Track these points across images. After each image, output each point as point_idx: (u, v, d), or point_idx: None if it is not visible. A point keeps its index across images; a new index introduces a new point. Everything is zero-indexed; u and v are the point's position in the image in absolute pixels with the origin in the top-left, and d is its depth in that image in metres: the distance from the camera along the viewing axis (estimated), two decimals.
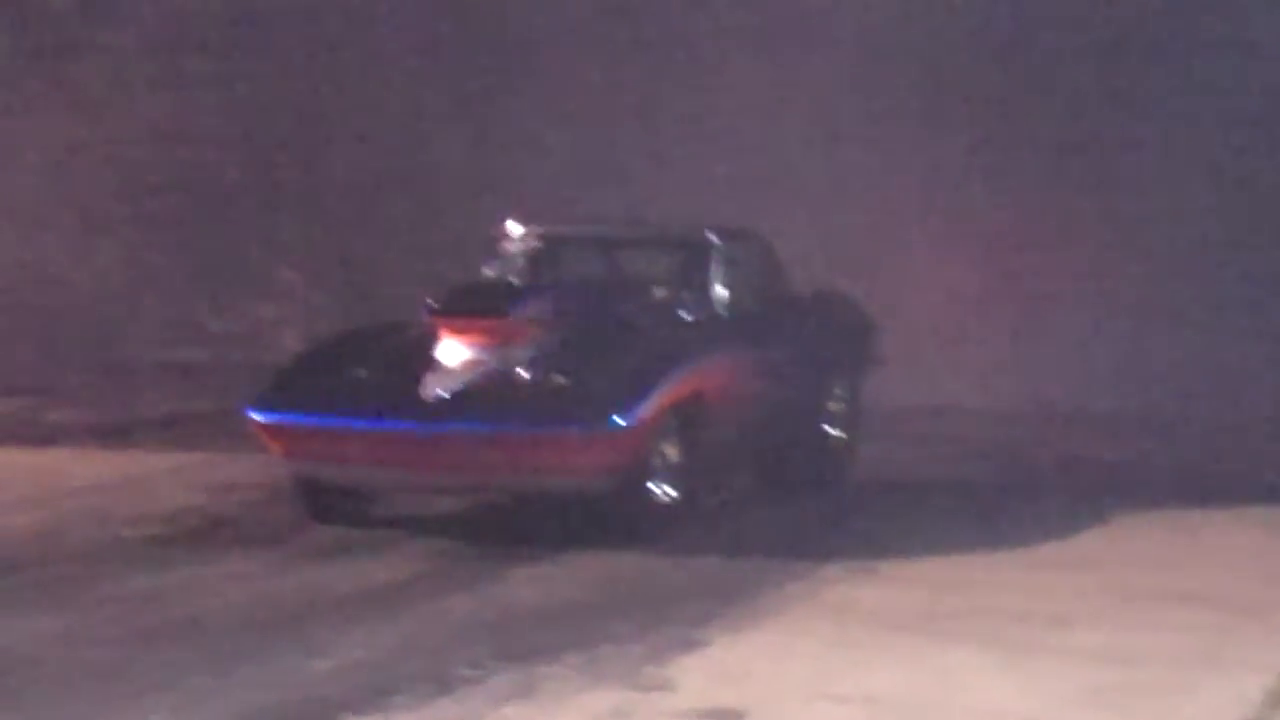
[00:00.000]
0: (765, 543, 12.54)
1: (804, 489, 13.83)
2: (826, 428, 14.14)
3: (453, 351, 12.03)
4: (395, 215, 19.05)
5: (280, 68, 19.57)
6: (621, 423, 11.41)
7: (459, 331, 12.19)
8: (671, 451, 11.95)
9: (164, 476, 14.63)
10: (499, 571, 11.36)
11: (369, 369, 12.13)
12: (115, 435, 16.68)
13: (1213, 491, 14.14)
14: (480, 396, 11.71)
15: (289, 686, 9.06)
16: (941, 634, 10.07)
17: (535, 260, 13.82)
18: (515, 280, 13.44)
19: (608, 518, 11.72)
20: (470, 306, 12.52)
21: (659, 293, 13.55)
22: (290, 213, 19.64)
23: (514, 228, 13.97)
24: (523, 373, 11.88)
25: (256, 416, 12.04)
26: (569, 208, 17.15)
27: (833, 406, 14.19)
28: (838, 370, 14.32)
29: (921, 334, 17.24)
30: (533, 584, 11.09)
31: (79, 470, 14.95)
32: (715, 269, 13.44)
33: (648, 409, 11.56)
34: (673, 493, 11.98)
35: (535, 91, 18.92)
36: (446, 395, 11.73)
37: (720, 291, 13.39)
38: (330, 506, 12.26)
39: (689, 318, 13.13)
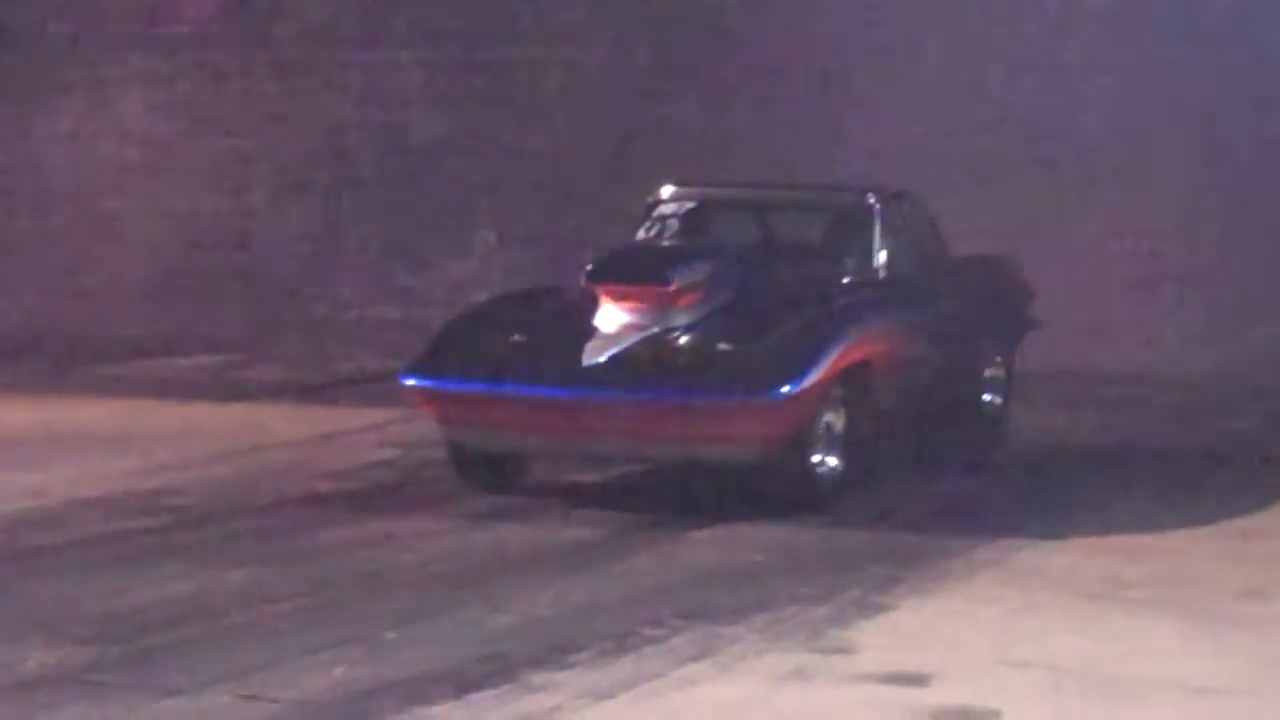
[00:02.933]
0: (943, 510, 12.37)
1: (961, 456, 13.58)
2: (985, 395, 13.95)
3: (612, 318, 11.81)
4: (595, 177, 19.02)
5: (482, 26, 19.58)
6: (787, 391, 11.17)
7: (619, 298, 11.92)
8: (836, 420, 11.71)
9: (358, 433, 14.76)
10: (680, 535, 11.36)
11: (525, 335, 11.96)
12: (311, 392, 16.84)
13: None
14: (640, 364, 11.50)
15: (471, 642, 9.10)
16: (1130, 602, 9.99)
17: (692, 223, 13.62)
18: (674, 245, 13.22)
19: (769, 488, 11.51)
20: (630, 273, 12.28)
21: (821, 257, 13.27)
22: (490, 173, 19.67)
23: (670, 190, 13.76)
24: (684, 340, 11.68)
25: (411, 382, 11.95)
26: (777, 169, 17.06)
27: (990, 371, 13.99)
28: (995, 334, 14.10)
29: (1099, 299, 17.07)
30: (714, 547, 11.07)
31: (275, 425, 15.11)
32: (877, 232, 13.15)
33: (814, 377, 11.30)
34: (837, 463, 11.73)
35: (744, 52, 18.77)
36: (605, 362, 11.51)
37: (882, 255, 13.09)
38: (481, 472, 12.18)
39: (852, 282, 12.92)
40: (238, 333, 19.32)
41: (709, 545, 11.08)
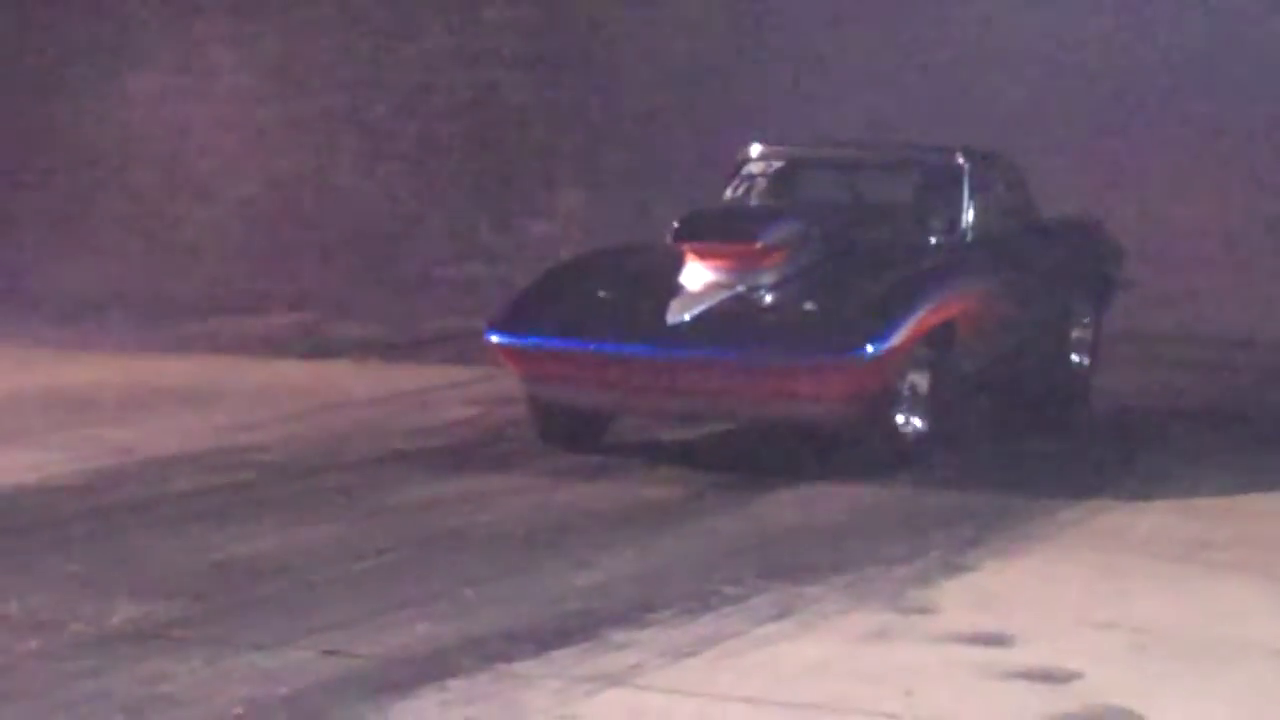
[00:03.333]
0: (1027, 471, 12.35)
1: (1046, 416, 13.61)
2: (1072, 355, 13.97)
3: (697, 276, 11.77)
4: (678, 134, 19.01)
5: None
6: (872, 351, 11.13)
7: (705, 256, 11.86)
8: (921, 381, 11.66)
9: (441, 390, 14.84)
10: (761, 495, 11.37)
11: (610, 292, 11.96)
12: (396, 350, 16.92)
13: None
14: (726, 322, 11.48)
15: (554, 599, 9.15)
16: (1215, 565, 9.96)
17: (779, 182, 13.63)
18: (761, 204, 13.21)
19: (853, 447, 11.50)
20: (718, 231, 12.20)
21: (908, 216, 13.21)
22: (573, 133, 19.70)
23: (757, 149, 13.74)
24: (770, 299, 11.67)
25: (496, 339, 11.90)
26: (853, 126, 17.02)
27: (1077, 333, 13.98)
28: (1083, 296, 14.09)
29: (1187, 262, 17.02)
30: (796, 507, 11.08)
31: (359, 384, 15.22)
32: (965, 192, 13.06)
33: (899, 337, 11.24)
34: (920, 424, 11.74)
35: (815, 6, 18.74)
36: (691, 320, 11.46)
37: (970, 215, 13.02)
38: (563, 429, 12.17)
39: (938, 242, 12.86)
40: (323, 290, 19.38)
41: (791, 505, 11.09)
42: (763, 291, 11.64)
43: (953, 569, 9.73)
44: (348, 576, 9.53)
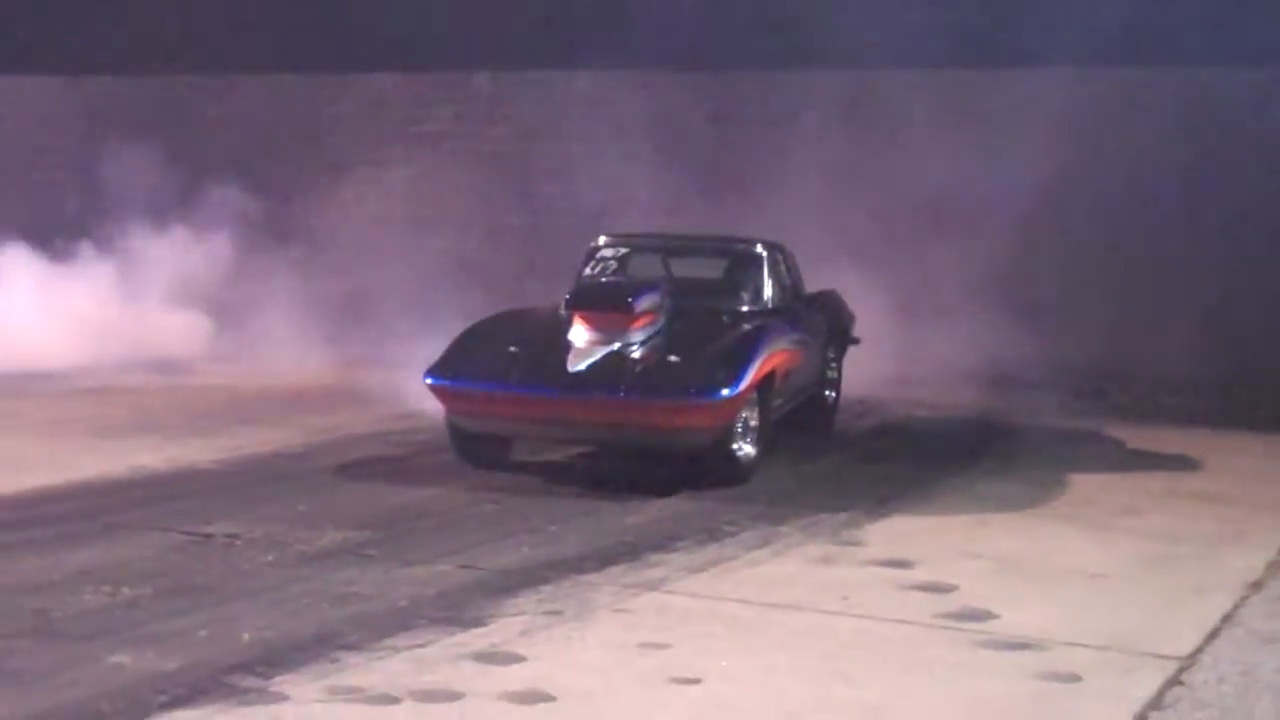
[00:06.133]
0: (906, 461, 12.11)
1: (810, 435, 12.78)
2: (825, 391, 13.28)
3: (582, 335, 10.76)
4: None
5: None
6: (727, 393, 10.23)
7: (589, 321, 10.81)
8: (753, 416, 10.74)
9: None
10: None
11: (517, 347, 10.80)
12: None
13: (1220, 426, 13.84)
14: (613, 371, 10.42)
15: (610, 534, 9.21)
16: (1049, 516, 10.03)
17: (623, 264, 12.55)
18: (631, 281, 12.05)
19: (705, 468, 10.58)
20: (600, 302, 11.07)
21: (725, 290, 12.19)
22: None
23: (604, 239, 12.82)
24: (641, 353, 10.63)
25: (430, 382, 10.76)
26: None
27: (829, 374, 13.33)
28: (833, 348, 13.42)
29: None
30: (764, 477, 10.93)
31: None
32: (765, 271, 12.28)
33: (745, 383, 10.36)
34: (752, 450, 10.75)
35: None
36: (585, 369, 10.48)
37: (769, 289, 12.21)
38: (475, 451, 11.03)
39: (749, 310, 11.89)
40: None
41: (760, 476, 10.93)
42: (635, 347, 10.66)
43: (875, 516, 9.80)
44: (474, 516, 9.58)
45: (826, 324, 13.19)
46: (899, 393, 15.10)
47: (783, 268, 12.63)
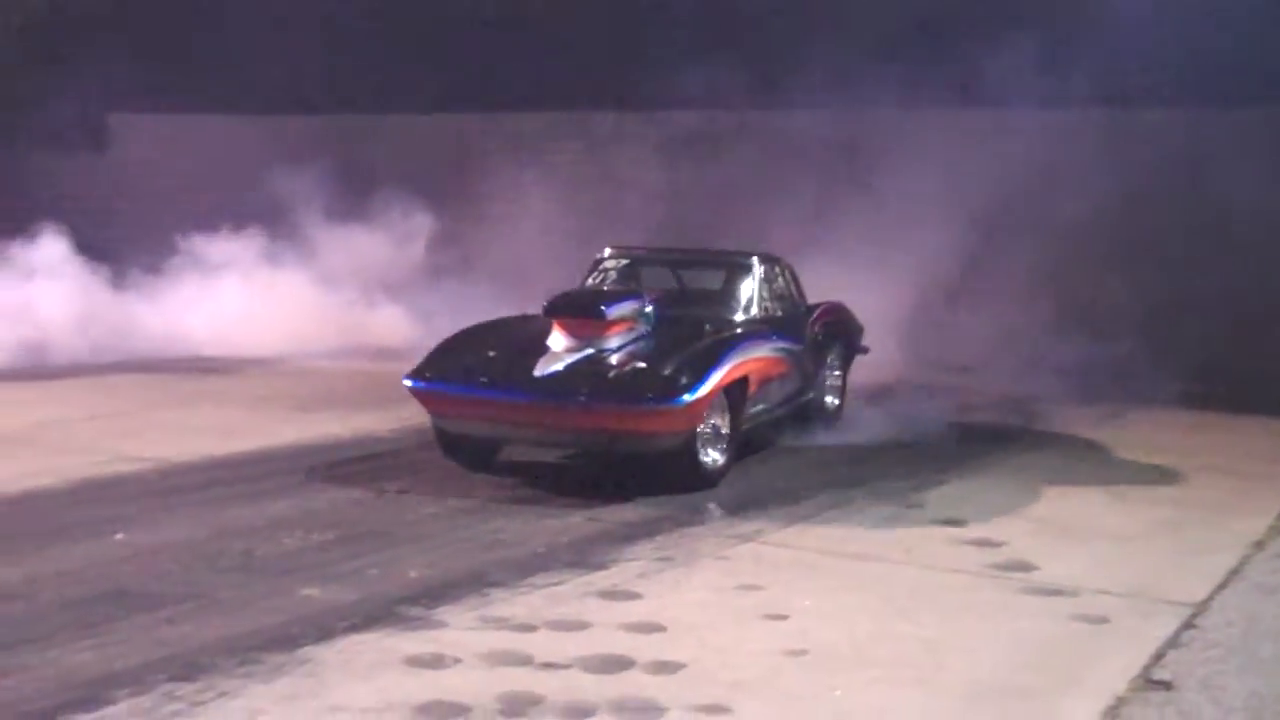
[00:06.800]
0: (962, 439, 11.64)
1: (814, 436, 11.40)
2: (827, 398, 11.87)
3: (560, 341, 9.61)
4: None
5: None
6: (687, 399, 8.94)
7: (566, 327, 9.66)
8: (722, 422, 9.51)
9: None
10: (796, 452, 10.80)
11: (497, 351, 9.64)
12: None
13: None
14: (579, 376, 9.18)
15: (711, 497, 9.15)
16: (1078, 483, 9.86)
17: (625, 274, 11.39)
18: (610, 290, 10.89)
19: (670, 473, 9.23)
20: (575, 309, 9.83)
21: (715, 300, 10.97)
22: None
23: (609, 250, 11.67)
24: (614, 359, 9.42)
25: (408, 384, 9.53)
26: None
27: (831, 382, 11.93)
28: (835, 357, 11.98)
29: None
30: (835, 453, 10.75)
31: None
32: (755, 283, 11.02)
33: (705, 390, 9.06)
34: (720, 457, 9.49)
35: None
36: (552, 374, 9.25)
37: (758, 300, 10.95)
38: (462, 452, 9.79)
39: (736, 319, 10.65)
40: None
41: (833, 452, 10.78)
42: (609, 353, 9.48)
43: (933, 484, 9.68)
44: (600, 478, 9.45)
45: (828, 334, 11.81)
46: (960, 380, 14.88)
47: (780, 280, 11.50)
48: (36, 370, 13.65)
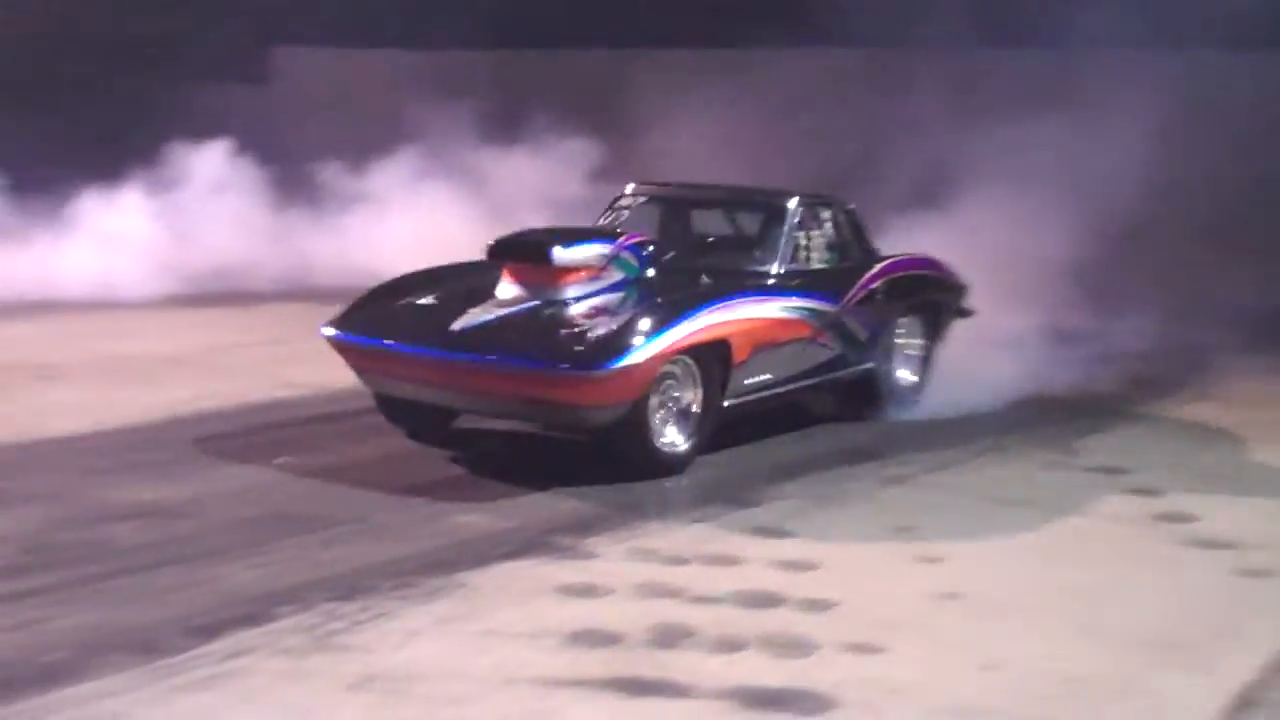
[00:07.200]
0: (1123, 388, 10.89)
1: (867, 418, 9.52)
2: (900, 370, 9.76)
3: (507, 290, 8.10)
4: None
5: None
6: (611, 367, 7.25)
7: (512, 273, 8.13)
8: (693, 398, 7.90)
9: None
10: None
11: (430, 300, 8.27)
12: None
13: None
14: (498, 332, 7.67)
15: (856, 440, 9.03)
16: (1246, 437, 9.36)
17: (639, 216, 9.55)
18: (574, 229, 8.83)
19: (616, 453, 7.72)
20: (519, 251, 8.23)
21: (733, 248, 9.28)
22: None
23: (632, 187, 9.81)
24: (558, 314, 7.83)
25: (325, 332, 8.21)
26: None
27: (910, 352, 9.84)
28: (915, 322, 9.84)
29: None
30: (993, 400, 9.95)
31: None
32: (785, 230, 8.96)
33: (639, 356, 7.33)
34: (681, 440, 7.87)
35: None
36: (469, 328, 7.74)
37: (785, 250, 8.88)
38: (399, 415, 8.45)
39: (752, 271, 8.77)
40: None
41: (994, 397, 10.03)
42: (557, 307, 7.89)
43: (1092, 432, 9.37)
44: (755, 420, 8.86)
45: (903, 294, 9.68)
46: (1118, 326, 14.27)
47: (822, 226, 9.31)
48: (210, 296, 14.03)
